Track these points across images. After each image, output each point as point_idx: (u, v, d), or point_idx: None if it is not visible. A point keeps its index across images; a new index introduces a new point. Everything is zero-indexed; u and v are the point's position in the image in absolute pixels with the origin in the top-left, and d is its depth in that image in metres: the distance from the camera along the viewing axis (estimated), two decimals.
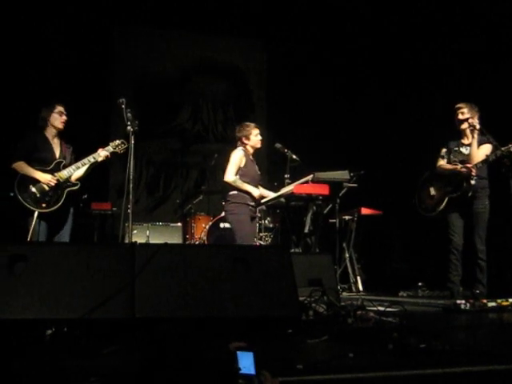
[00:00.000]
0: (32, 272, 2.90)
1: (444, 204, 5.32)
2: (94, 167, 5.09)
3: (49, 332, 2.87)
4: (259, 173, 5.68)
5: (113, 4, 8.46)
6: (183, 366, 2.22)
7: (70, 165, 4.99)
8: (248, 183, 5.42)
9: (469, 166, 5.13)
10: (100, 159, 5.01)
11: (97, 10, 8.23)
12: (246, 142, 5.54)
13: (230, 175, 5.40)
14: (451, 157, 5.41)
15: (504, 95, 6.29)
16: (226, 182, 5.45)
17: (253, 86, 10.05)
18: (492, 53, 6.71)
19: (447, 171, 5.37)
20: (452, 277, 5.27)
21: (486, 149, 5.16)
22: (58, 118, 5.03)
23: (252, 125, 5.60)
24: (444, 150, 5.50)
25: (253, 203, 5.43)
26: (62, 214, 4.95)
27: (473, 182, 5.13)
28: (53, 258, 3.00)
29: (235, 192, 5.41)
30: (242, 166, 5.46)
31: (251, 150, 5.58)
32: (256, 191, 5.42)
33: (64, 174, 4.91)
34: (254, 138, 5.54)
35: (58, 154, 5.03)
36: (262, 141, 5.63)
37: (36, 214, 4.72)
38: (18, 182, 4.76)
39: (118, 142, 5.07)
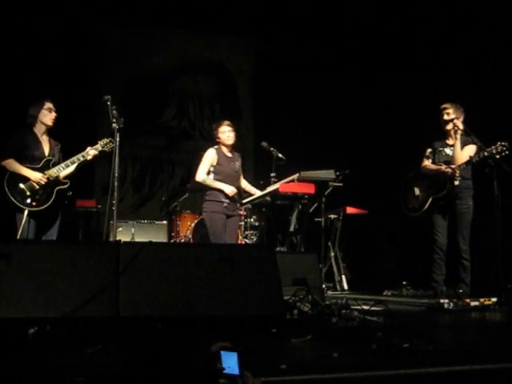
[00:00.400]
0: (15, 270, 2.87)
1: (428, 204, 5.35)
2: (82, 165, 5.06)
3: (31, 331, 2.84)
4: (237, 169, 5.59)
5: (102, 2, 8.39)
6: (167, 365, 2.21)
7: (58, 162, 4.93)
8: (221, 181, 5.39)
9: (453, 166, 5.16)
10: (89, 158, 4.96)
11: (86, 7, 8.17)
12: (217, 140, 5.54)
13: (199, 174, 5.42)
14: (436, 157, 5.45)
15: (494, 97, 6.34)
16: (197, 182, 5.47)
17: (240, 85, 10.02)
18: (489, 53, 6.74)
19: (431, 172, 5.41)
20: (436, 276, 5.31)
21: (470, 150, 5.19)
22: (47, 115, 4.95)
23: (224, 122, 5.57)
24: (429, 150, 5.53)
25: (227, 200, 5.37)
26: (51, 213, 4.88)
27: (456, 182, 5.16)
28: (36, 256, 2.97)
29: (209, 190, 5.42)
30: (215, 164, 5.44)
31: (225, 148, 5.54)
32: (228, 188, 5.34)
33: (54, 172, 4.84)
34: (222, 135, 5.51)
35: (47, 151, 4.95)
36: (233, 137, 5.53)
37: (26, 212, 4.65)
38: (7, 179, 4.67)
39: (106, 140, 5.01)
